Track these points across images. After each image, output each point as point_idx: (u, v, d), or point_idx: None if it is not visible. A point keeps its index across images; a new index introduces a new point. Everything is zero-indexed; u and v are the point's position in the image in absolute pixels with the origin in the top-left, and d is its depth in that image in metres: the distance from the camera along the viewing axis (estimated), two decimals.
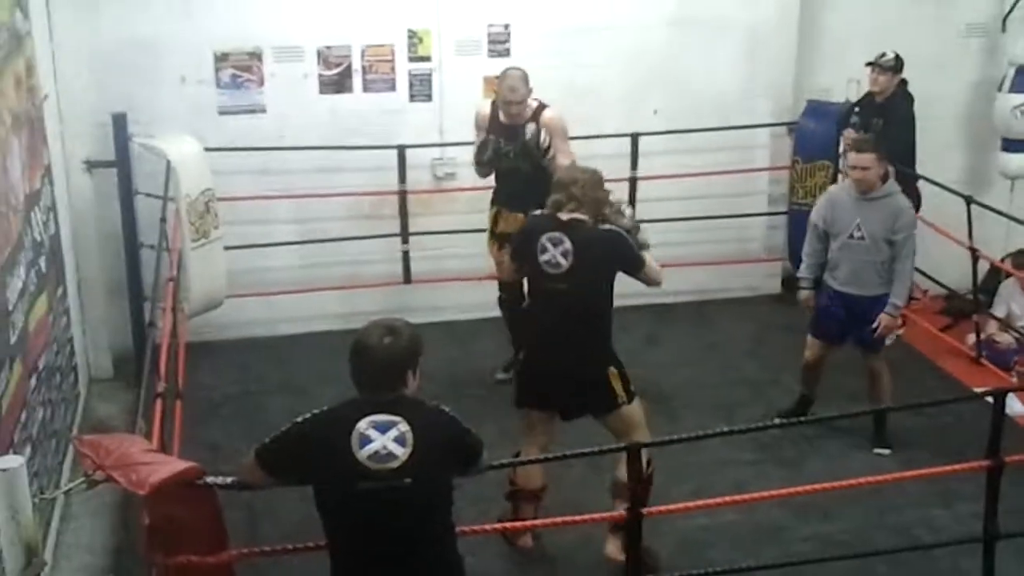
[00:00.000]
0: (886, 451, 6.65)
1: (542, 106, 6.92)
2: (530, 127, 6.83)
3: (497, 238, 7.13)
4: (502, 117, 6.97)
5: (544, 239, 5.44)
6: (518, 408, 5.70)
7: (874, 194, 6.44)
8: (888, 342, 6.84)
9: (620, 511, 5.20)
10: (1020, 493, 5.30)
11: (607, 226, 5.50)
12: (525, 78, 6.85)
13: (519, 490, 5.72)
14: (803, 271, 6.86)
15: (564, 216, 5.45)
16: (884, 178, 6.48)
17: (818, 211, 6.74)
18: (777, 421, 6.72)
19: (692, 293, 8.83)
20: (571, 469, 5.72)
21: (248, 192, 7.88)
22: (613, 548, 5.55)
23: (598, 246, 5.45)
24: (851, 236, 6.51)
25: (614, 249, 5.47)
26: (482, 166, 7.11)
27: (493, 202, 7.24)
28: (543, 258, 5.44)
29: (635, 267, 5.53)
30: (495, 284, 7.43)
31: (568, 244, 5.39)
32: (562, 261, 5.41)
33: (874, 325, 6.51)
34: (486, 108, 7.10)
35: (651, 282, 5.64)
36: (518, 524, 5.61)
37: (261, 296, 8.04)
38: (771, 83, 8.76)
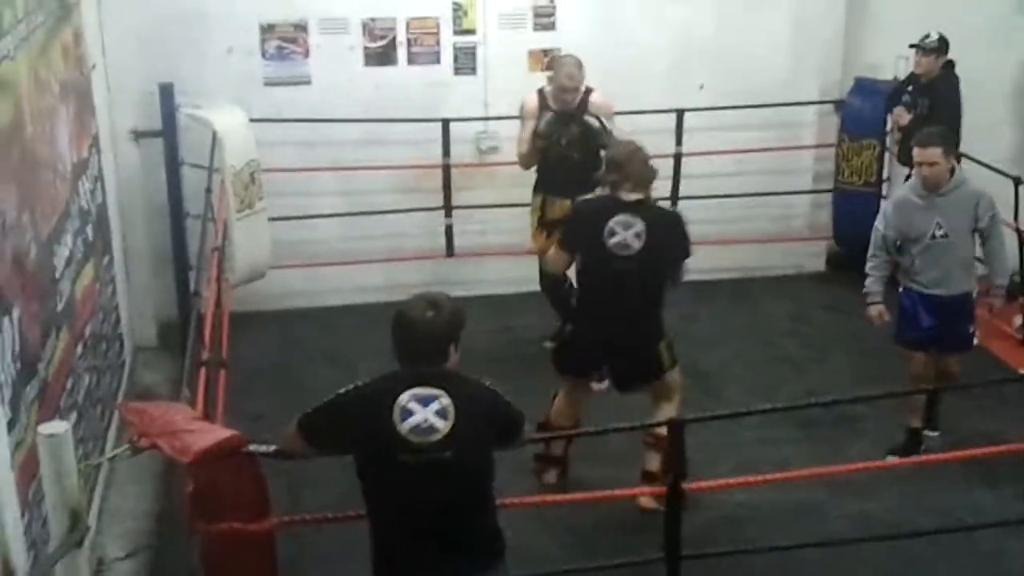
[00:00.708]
0: (934, 433, 6.52)
1: (589, 90, 6.93)
2: (591, 121, 6.82)
3: (545, 226, 7.11)
4: (552, 104, 6.96)
5: (613, 223, 5.44)
6: (562, 375, 5.81)
7: (946, 188, 6.05)
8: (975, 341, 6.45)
9: (654, 465, 5.60)
10: None
11: (668, 207, 5.58)
12: (580, 64, 6.87)
13: (551, 426, 5.80)
14: (871, 285, 6.33)
15: (629, 197, 5.46)
16: (951, 171, 6.08)
17: (887, 220, 6.22)
18: (889, 459, 6.18)
19: (735, 270, 8.79)
20: (607, 445, 5.71)
21: (292, 164, 7.90)
22: (646, 499, 5.60)
23: (669, 227, 5.53)
24: (933, 237, 6.08)
25: (681, 232, 5.57)
26: (528, 156, 7.08)
27: (537, 190, 7.23)
28: (612, 241, 5.44)
29: (686, 255, 5.60)
30: (536, 260, 7.40)
31: (641, 226, 5.42)
32: (634, 243, 5.43)
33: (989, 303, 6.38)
34: (534, 99, 7.07)
35: (681, 277, 5.69)
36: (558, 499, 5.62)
37: (305, 267, 8.08)
38: (819, 59, 8.67)
